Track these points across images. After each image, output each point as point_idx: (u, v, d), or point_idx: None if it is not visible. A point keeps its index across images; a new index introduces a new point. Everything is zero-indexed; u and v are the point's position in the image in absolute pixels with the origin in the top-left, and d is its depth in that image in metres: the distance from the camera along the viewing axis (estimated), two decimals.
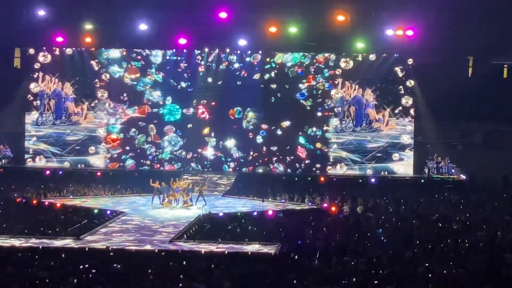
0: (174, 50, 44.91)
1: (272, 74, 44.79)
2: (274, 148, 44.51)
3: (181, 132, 44.47)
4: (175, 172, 43.73)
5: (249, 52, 44.37)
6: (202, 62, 44.70)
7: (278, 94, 44.69)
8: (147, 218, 33.61)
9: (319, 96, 44.73)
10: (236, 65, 44.46)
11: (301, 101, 44.48)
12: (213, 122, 44.69)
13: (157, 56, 44.82)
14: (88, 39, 44.82)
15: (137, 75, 45.01)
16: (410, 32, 43.58)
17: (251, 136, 44.67)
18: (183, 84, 44.73)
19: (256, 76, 44.44)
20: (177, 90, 44.15)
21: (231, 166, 44.69)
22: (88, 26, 44.52)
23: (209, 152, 44.53)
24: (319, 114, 44.97)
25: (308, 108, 44.69)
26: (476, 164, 43.30)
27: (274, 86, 44.50)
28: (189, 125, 44.62)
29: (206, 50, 45.12)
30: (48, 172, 43.74)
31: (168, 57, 45.01)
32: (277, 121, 44.41)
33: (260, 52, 44.60)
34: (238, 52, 44.37)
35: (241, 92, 43.85)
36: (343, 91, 44.91)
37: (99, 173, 43.81)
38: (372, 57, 45.48)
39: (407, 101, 45.33)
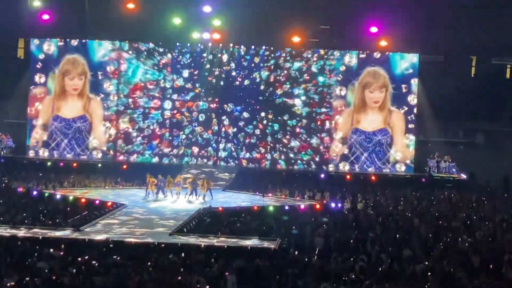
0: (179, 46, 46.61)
1: (263, 76, 46.52)
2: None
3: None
4: (176, 165, 44.37)
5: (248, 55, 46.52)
6: (208, 66, 46.53)
7: (266, 93, 46.48)
8: (147, 210, 33.66)
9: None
10: (234, 73, 46.69)
11: (276, 100, 46.58)
12: (216, 112, 46.70)
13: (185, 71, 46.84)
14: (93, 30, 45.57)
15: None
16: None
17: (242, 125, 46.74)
18: (197, 85, 46.74)
19: (247, 82, 46.49)
20: (191, 89, 46.81)
21: (226, 148, 46.63)
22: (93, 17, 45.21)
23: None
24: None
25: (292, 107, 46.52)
26: (477, 164, 43.35)
27: (262, 87, 46.51)
28: (201, 115, 46.87)
29: (210, 45, 46.17)
30: (49, 163, 43.93)
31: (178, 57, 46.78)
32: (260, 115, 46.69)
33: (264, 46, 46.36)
34: (239, 53, 46.59)
35: (238, 91, 46.64)
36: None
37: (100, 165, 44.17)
38: (376, 54, 45.52)
39: (412, 100, 45.29)
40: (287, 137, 46.20)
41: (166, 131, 46.55)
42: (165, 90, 46.60)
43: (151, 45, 46.39)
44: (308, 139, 46.10)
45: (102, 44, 46.45)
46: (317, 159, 45.92)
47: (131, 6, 44.78)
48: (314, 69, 46.04)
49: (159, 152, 46.37)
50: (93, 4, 45.29)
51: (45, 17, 45.32)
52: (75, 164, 44.04)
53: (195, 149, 46.32)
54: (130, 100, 46.54)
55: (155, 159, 46.32)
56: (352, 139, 45.62)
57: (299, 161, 46.03)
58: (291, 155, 46.10)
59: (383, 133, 45.46)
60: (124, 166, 44.01)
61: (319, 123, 46.07)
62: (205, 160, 46.26)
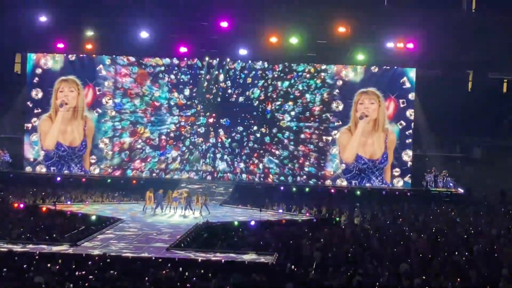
0: (175, 60, 46.90)
1: (256, 94, 46.83)
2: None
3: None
4: (174, 180, 44.38)
5: (246, 67, 46.77)
6: (206, 84, 47.02)
7: (259, 109, 46.84)
8: (144, 225, 33.59)
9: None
10: (230, 91, 47.12)
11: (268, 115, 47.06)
12: (214, 126, 47.10)
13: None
14: (89, 46, 45.46)
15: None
16: (410, 45, 43.85)
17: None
18: (195, 101, 47.27)
19: (242, 99, 46.88)
20: (191, 105, 47.37)
21: (223, 158, 47.08)
22: (89, 33, 45.09)
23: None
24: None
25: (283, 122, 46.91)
26: (474, 178, 43.36)
27: (256, 103, 46.85)
28: (201, 128, 47.39)
29: (207, 58, 46.60)
30: (46, 178, 43.91)
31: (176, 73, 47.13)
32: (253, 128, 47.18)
33: (261, 62, 46.65)
34: (234, 70, 47.04)
35: (233, 107, 47.08)
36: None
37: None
38: (374, 68, 45.63)
39: (409, 114, 45.31)
40: (277, 147, 46.55)
41: (171, 142, 46.83)
42: (171, 107, 46.96)
43: (157, 67, 46.66)
44: (300, 153, 46.32)
45: (100, 59, 46.52)
46: (306, 169, 46.12)
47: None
48: (305, 86, 46.29)
49: (165, 159, 46.73)
50: (90, 19, 45.26)
51: (43, 31, 45.33)
52: (71, 179, 44.13)
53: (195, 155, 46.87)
54: (141, 114, 46.95)
55: (160, 165, 46.63)
56: (350, 161, 45.82)
57: (289, 171, 46.32)
58: (283, 168, 46.43)
59: (381, 161, 45.55)
60: (121, 181, 44.17)
61: (309, 136, 46.28)
62: (203, 168, 46.54)
